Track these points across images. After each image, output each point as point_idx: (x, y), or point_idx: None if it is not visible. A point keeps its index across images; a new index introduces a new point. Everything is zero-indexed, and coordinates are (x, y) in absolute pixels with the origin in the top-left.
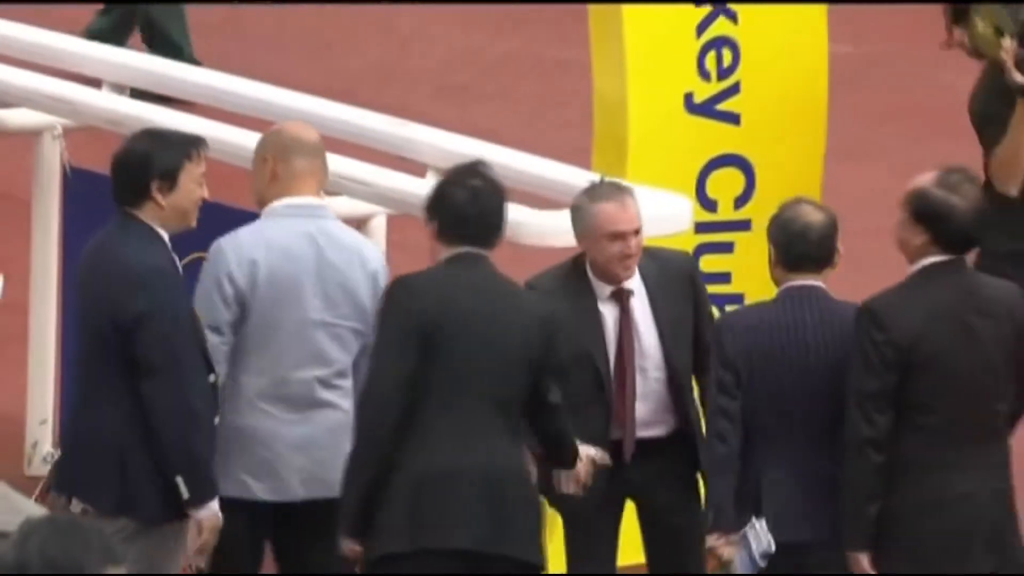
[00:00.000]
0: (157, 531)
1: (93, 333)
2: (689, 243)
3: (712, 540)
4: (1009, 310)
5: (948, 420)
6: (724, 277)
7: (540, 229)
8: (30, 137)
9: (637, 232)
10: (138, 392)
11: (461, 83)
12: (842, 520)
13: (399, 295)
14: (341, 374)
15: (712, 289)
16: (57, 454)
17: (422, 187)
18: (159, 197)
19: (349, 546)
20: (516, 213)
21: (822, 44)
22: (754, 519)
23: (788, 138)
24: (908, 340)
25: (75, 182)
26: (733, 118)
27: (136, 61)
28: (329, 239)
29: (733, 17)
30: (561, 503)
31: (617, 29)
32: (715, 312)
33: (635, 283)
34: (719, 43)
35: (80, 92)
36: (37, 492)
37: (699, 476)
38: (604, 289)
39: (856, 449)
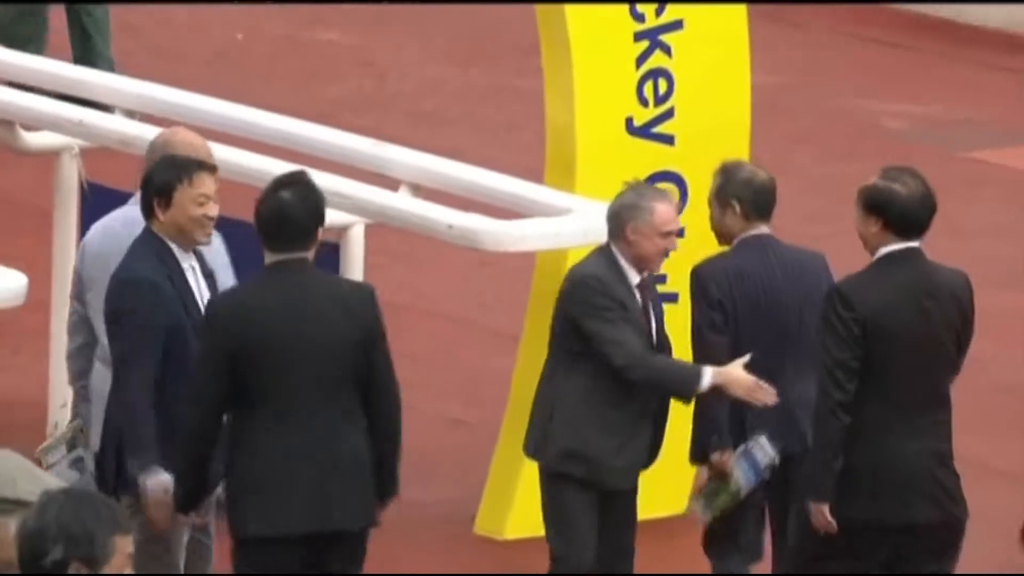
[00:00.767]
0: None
1: (104, 329)
2: None
3: (716, 457)
4: (953, 293)
5: (901, 388)
6: (661, 278)
7: (499, 237)
8: (51, 156)
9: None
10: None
11: (430, 109)
12: (808, 474)
13: (210, 314)
14: None
15: None
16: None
17: (396, 200)
18: (159, 213)
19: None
20: (478, 223)
21: (744, 75)
22: (757, 435)
23: (716, 156)
24: (870, 317)
25: (91, 195)
26: (668, 139)
27: (144, 89)
28: None
29: (668, 51)
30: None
31: (567, 62)
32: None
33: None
34: (656, 74)
35: (95, 116)
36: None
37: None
38: (634, 277)
39: (829, 411)
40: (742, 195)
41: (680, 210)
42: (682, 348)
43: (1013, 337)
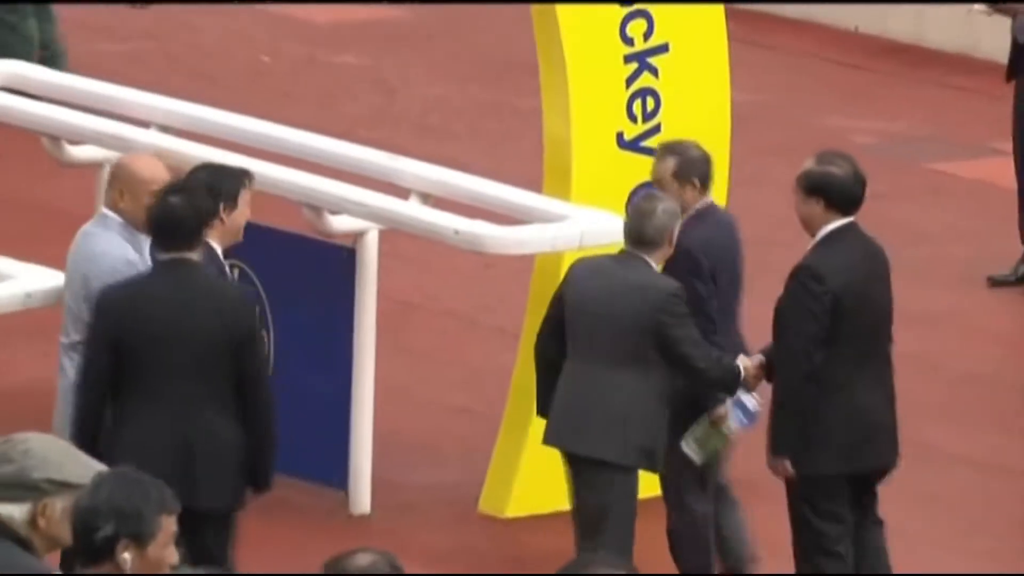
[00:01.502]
0: None
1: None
2: None
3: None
4: (884, 256)
5: (861, 350)
6: None
7: (501, 241)
8: (94, 168)
9: None
10: None
11: (436, 124)
12: (775, 433)
13: (98, 302)
14: None
15: None
16: None
17: (407, 207)
18: (224, 217)
19: None
20: (482, 228)
21: (725, 94)
22: (743, 391)
23: None
24: (840, 288)
25: None
26: (653, 152)
27: (177, 107)
28: None
29: (655, 72)
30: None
31: (563, 81)
32: None
33: None
34: (644, 93)
35: (133, 131)
36: None
37: None
38: None
39: (798, 381)
40: (702, 172)
41: None
42: None
43: (970, 332)
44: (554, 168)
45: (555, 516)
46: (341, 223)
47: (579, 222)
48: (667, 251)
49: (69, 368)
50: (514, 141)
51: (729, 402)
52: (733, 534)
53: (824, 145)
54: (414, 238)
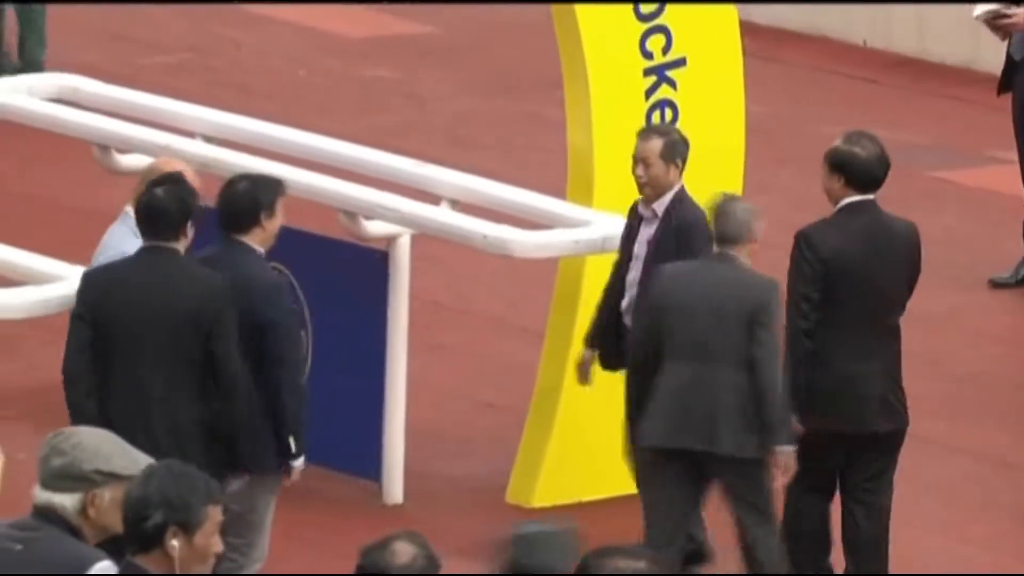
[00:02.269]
0: None
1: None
2: None
3: None
4: (906, 240)
5: (857, 318)
6: None
7: (527, 245)
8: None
9: None
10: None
11: (465, 135)
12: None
13: (82, 281)
14: None
15: None
16: None
17: (437, 213)
18: (265, 222)
19: None
20: (509, 233)
21: (739, 105)
22: None
23: (715, 175)
24: (830, 256)
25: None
26: (639, 134)
27: (221, 118)
28: None
29: (673, 85)
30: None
31: (585, 94)
32: None
33: None
34: (663, 104)
35: (179, 141)
36: None
37: None
38: None
39: (793, 337)
40: (684, 154)
41: None
42: None
43: (971, 332)
44: (577, 176)
45: (579, 506)
46: (375, 228)
47: (601, 227)
48: (753, 248)
49: None
50: (539, 150)
51: None
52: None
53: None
54: (444, 242)
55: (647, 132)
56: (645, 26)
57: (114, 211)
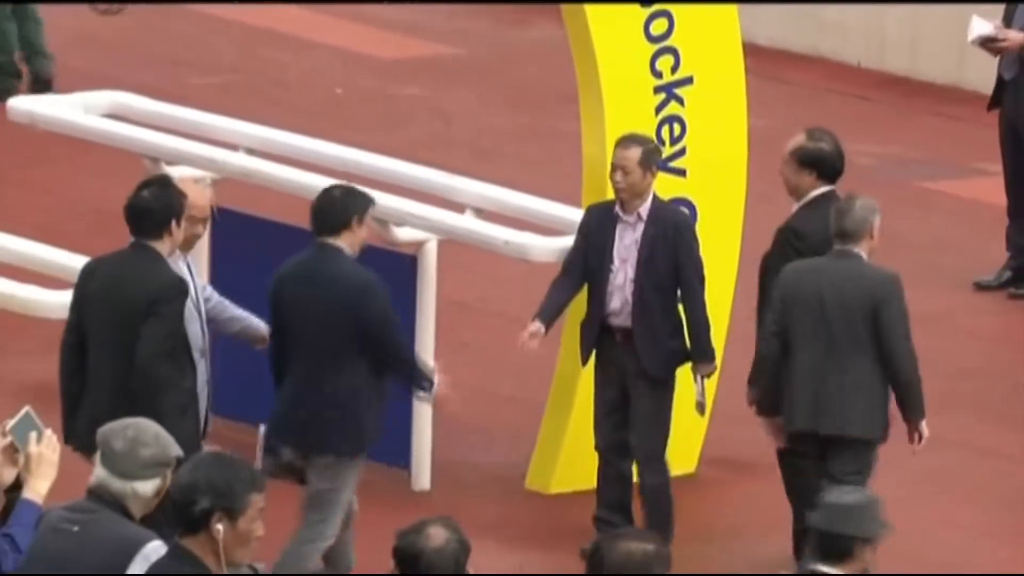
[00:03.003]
0: None
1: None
2: None
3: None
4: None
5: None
6: None
7: (545, 251)
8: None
9: None
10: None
11: (489, 147)
12: (758, 397)
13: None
14: None
15: None
16: None
17: (462, 220)
18: (356, 228)
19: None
20: (528, 239)
21: (742, 120)
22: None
23: (720, 186)
24: (819, 246)
25: (219, 217)
26: (681, 172)
27: (262, 132)
28: None
29: (681, 102)
30: None
31: (600, 109)
32: None
33: None
34: (671, 120)
35: (223, 154)
36: None
37: None
38: None
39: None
40: (658, 162)
41: None
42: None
43: (960, 331)
44: (592, 186)
45: (593, 492)
46: (404, 234)
47: None
48: (872, 243)
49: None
50: (556, 162)
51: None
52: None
53: None
54: (468, 247)
55: (626, 141)
56: (655, 47)
57: None
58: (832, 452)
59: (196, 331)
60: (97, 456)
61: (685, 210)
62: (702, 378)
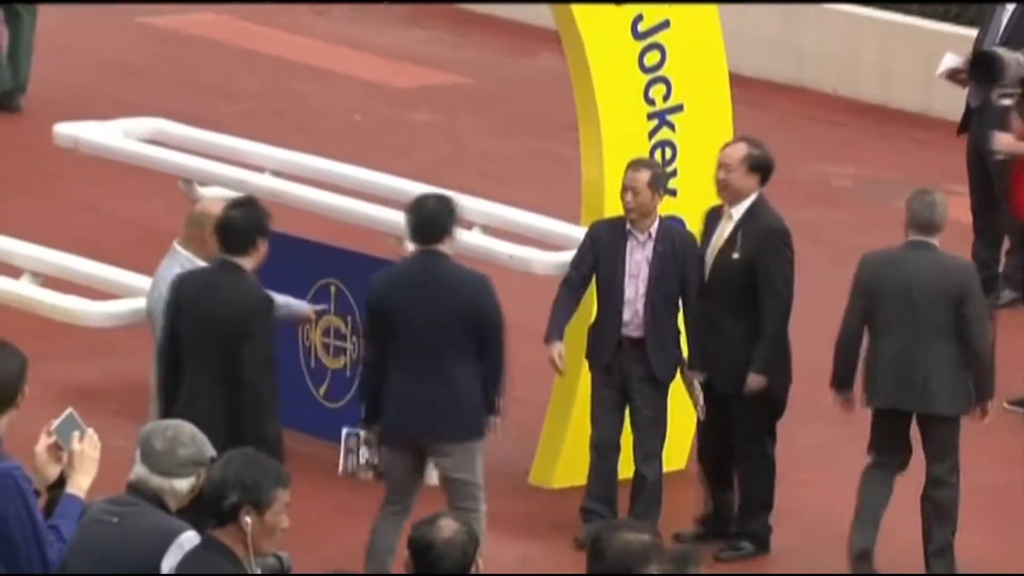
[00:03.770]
0: None
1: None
2: None
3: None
4: None
5: None
6: None
7: (546, 264)
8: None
9: None
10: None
11: (496, 170)
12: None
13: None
14: None
15: None
16: None
17: (470, 236)
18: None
19: None
20: (531, 253)
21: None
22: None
23: (708, 205)
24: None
25: None
26: (672, 192)
27: (287, 156)
28: None
29: (672, 127)
30: None
31: (597, 135)
32: None
33: None
34: (663, 144)
35: (251, 175)
36: None
37: None
38: None
39: (786, 318)
40: (666, 184)
41: None
42: None
43: None
44: (590, 205)
45: None
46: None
47: None
48: (940, 235)
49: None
50: (557, 184)
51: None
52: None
53: (808, 188)
54: (476, 260)
55: (636, 164)
56: (648, 77)
57: None
58: (926, 431)
59: None
60: (137, 453)
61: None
62: (698, 383)
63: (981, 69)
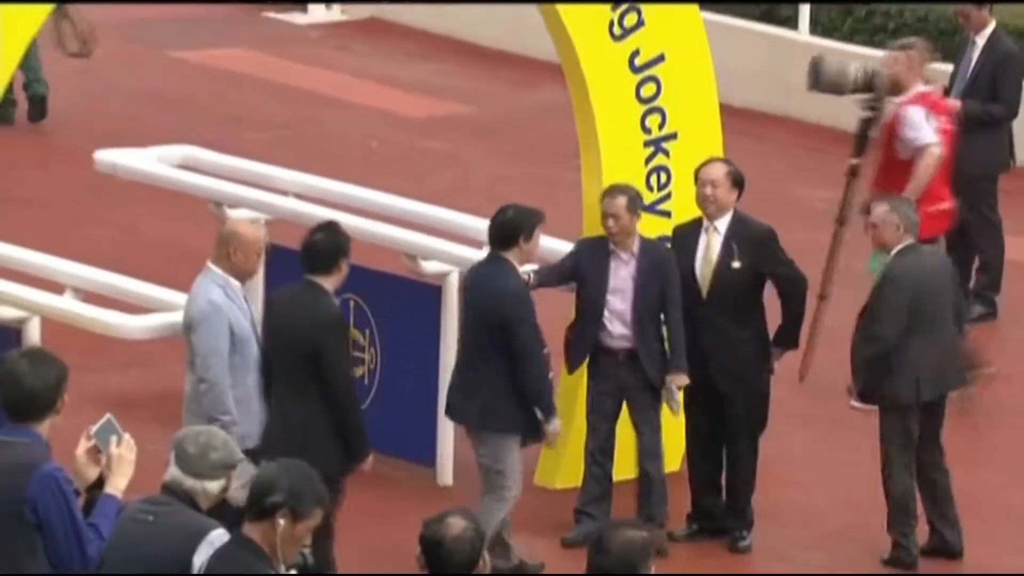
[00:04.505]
0: None
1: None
2: None
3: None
4: None
5: None
6: None
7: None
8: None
9: None
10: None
11: (502, 194)
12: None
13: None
14: None
15: None
16: None
17: (479, 255)
18: (523, 243)
19: None
20: (533, 271)
21: None
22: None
23: None
24: None
25: (273, 253)
26: (667, 214)
27: (308, 180)
28: None
29: (667, 154)
30: None
31: (597, 161)
32: None
33: None
34: (659, 169)
35: (275, 198)
36: None
37: None
38: None
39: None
40: (641, 207)
41: None
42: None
43: None
44: (591, 226)
45: None
46: (431, 267)
47: None
48: None
49: (188, 378)
50: (559, 207)
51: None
52: None
53: (793, 208)
54: None
55: (612, 191)
56: (645, 107)
57: None
58: (934, 413)
59: (253, 350)
60: (171, 456)
61: (668, 245)
62: (676, 388)
63: (808, 76)
